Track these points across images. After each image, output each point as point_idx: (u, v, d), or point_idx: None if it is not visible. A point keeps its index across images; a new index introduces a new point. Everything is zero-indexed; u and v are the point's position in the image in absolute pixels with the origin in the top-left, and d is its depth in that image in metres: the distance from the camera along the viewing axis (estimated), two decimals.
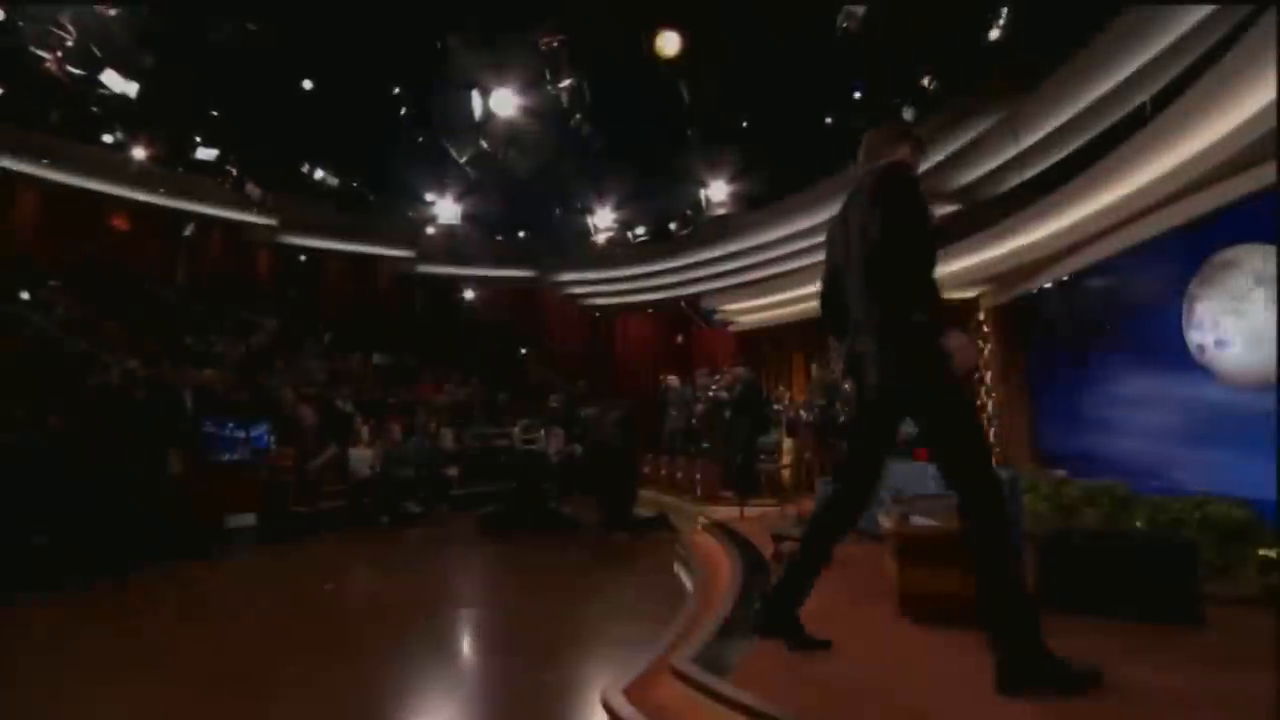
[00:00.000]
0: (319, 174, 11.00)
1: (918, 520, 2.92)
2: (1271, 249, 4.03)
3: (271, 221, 12.82)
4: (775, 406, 9.04)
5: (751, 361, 10.93)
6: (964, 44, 6.97)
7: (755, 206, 10.96)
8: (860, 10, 6.99)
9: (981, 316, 7.57)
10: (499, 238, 14.39)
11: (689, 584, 4.92)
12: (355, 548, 6.89)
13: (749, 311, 12.41)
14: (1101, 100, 5.63)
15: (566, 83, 7.22)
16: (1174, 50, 4.80)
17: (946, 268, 7.08)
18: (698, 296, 13.69)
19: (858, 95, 9.20)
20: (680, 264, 13.07)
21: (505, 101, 7.87)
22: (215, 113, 9.89)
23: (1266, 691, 2.18)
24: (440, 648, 3.84)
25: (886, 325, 2.26)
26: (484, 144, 8.51)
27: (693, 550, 5.34)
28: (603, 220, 12.12)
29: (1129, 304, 6.04)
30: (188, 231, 12.70)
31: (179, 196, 11.77)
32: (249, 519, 6.93)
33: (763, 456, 8.16)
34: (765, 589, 2.79)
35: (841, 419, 9.44)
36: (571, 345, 16.23)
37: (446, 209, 11.59)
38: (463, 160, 8.72)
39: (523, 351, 15.38)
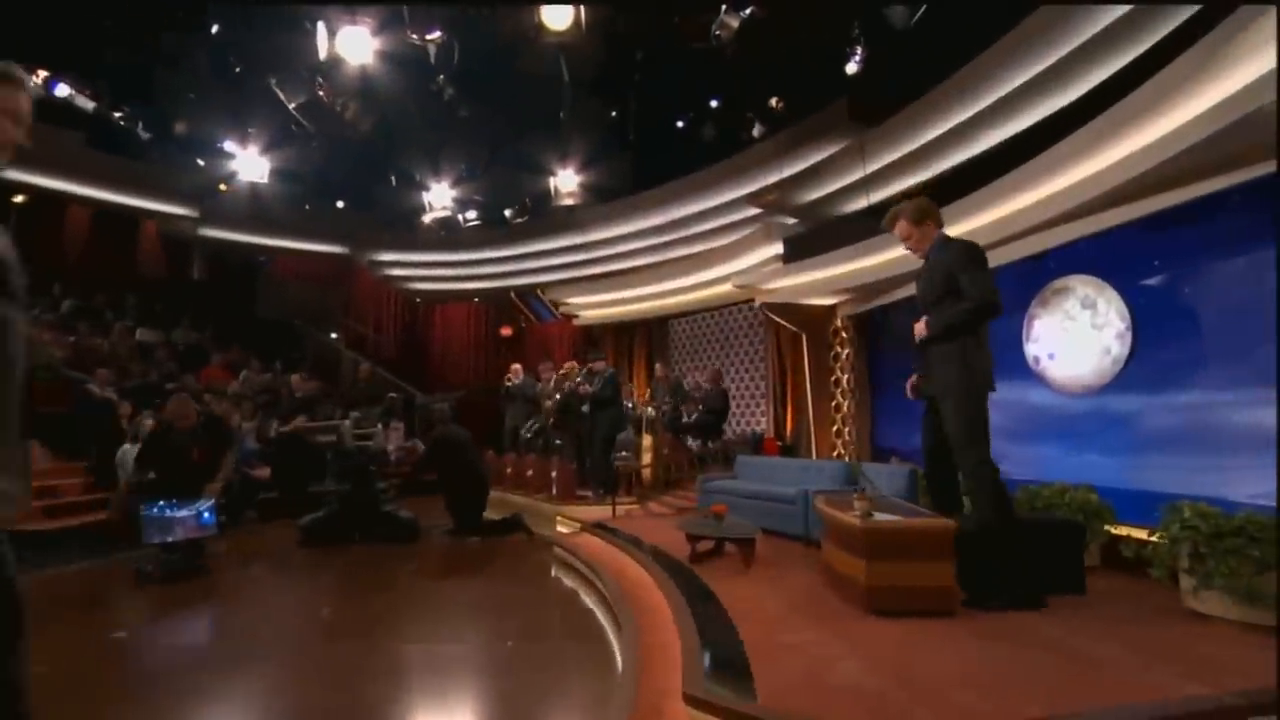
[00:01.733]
0: (64, 91, 8.38)
1: (882, 517, 2.97)
2: (1095, 279, 4.92)
3: None
4: (627, 403, 8.97)
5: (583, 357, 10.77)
6: (822, 73, 7.52)
7: (604, 199, 10.83)
8: (735, 23, 7.23)
9: (839, 323, 8.21)
10: (307, 206, 12.50)
11: (581, 590, 4.62)
12: (126, 574, 5.21)
13: (592, 306, 12.26)
14: (940, 139, 6.44)
15: (434, 36, 6.36)
16: (1008, 101, 5.65)
17: (814, 275, 7.59)
18: (535, 287, 13.21)
19: (714, 104, 9.57)
20: (519, 252, 12.51)
21: (353, 45, 6.72)
22: None
23: (1152, 641, 2.61)
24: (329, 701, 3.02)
25: None
26: (320, 93, 7.19)
27: (581, 555, 5.02)
28: (439, 199, 11.10)
29: None
30: None
31: None
32: None
33: (613, 454, 8.03)
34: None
35: (686, 418, 9.75)
36: (386, 331, 14.79)
37: (248, 164, 9.68)
38: (293, 107, 7.26)
39: (332, 336, 13.57)
